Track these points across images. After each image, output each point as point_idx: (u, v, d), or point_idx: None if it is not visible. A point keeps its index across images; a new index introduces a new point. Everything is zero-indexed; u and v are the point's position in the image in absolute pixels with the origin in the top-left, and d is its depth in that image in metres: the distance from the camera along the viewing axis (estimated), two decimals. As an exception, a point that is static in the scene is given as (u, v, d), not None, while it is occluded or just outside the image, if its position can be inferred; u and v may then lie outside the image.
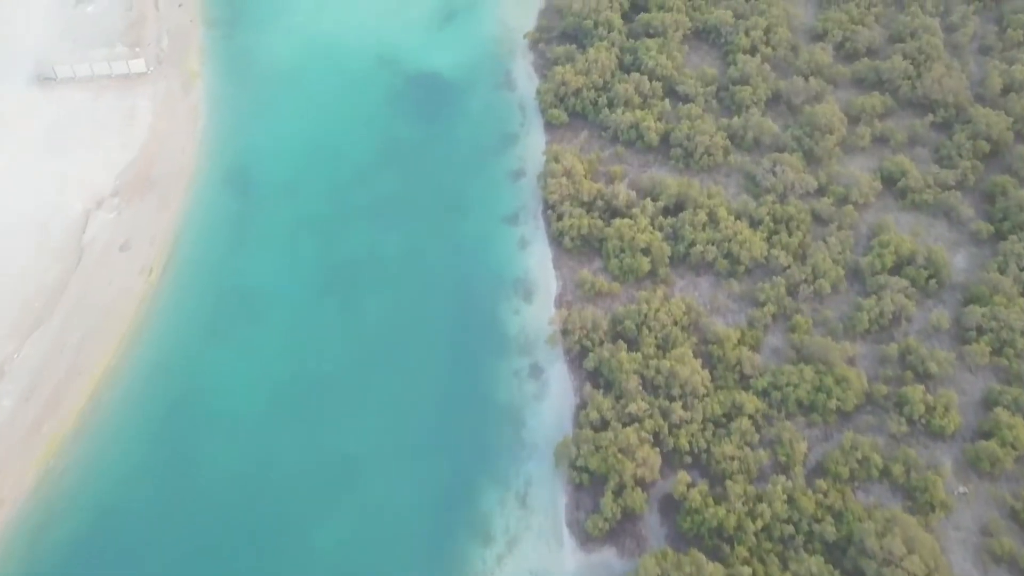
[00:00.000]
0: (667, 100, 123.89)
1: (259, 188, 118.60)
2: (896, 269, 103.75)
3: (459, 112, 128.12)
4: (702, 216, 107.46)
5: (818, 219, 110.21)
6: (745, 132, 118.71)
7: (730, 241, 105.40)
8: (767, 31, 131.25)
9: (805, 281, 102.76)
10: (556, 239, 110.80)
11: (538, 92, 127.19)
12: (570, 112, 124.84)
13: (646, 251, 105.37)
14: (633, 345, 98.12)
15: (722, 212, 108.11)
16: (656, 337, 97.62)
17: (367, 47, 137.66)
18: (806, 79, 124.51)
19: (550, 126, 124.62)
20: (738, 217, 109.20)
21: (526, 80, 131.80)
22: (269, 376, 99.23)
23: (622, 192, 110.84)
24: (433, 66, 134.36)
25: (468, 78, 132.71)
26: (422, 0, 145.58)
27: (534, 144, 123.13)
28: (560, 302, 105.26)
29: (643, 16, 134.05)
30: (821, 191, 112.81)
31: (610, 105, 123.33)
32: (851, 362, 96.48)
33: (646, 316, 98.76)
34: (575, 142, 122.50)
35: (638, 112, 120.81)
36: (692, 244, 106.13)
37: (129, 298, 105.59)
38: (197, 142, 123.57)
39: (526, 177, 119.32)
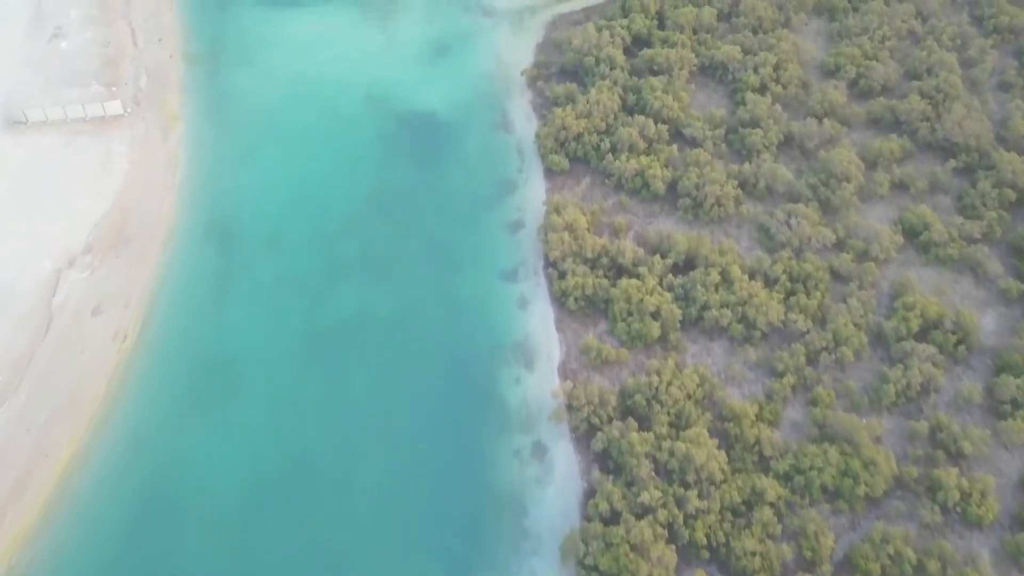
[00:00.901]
0: (674, 145, 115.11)
1: (241, 241, 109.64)
2: (922, 334, 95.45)
3: (454, 156, 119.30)
4: (714, 276, 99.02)
5: (837, 276, 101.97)
6: (757, 180, 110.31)
7: (745, 304, 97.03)
8: (776, 67, 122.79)
9: (826, 349, 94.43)
10: (558, 299, 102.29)
11: (537, 136, 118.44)
12: (571, 157, 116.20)
13: (655, 315, 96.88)
14: (644, 422, 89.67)
15: (735, 271, 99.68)
16: (669, 414, 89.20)
17: (357, 84, 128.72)
18: (819, 121, 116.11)
19: (550, 172, 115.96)
20: (752, 276, 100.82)
21: (524, 121, 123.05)
22: (251, 457, 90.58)
23: (628, 249, 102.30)
24: (426, 105, 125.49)
25: (463, 119, 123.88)
26: (414, 33, 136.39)
27: (533, 192, 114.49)
28: (564, 370, 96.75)
29: (646, 52, 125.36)
30: (839, 245, 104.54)
31: (613, 150, 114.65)
32: (878, 440, 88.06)
33: (657, 390, 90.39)
34: (577, 190, 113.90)
35: (643, 159, 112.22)
36: (705, 307, 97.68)
37: (101, 369, 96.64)
38: (176, 191, 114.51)
39: (525, 228, 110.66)
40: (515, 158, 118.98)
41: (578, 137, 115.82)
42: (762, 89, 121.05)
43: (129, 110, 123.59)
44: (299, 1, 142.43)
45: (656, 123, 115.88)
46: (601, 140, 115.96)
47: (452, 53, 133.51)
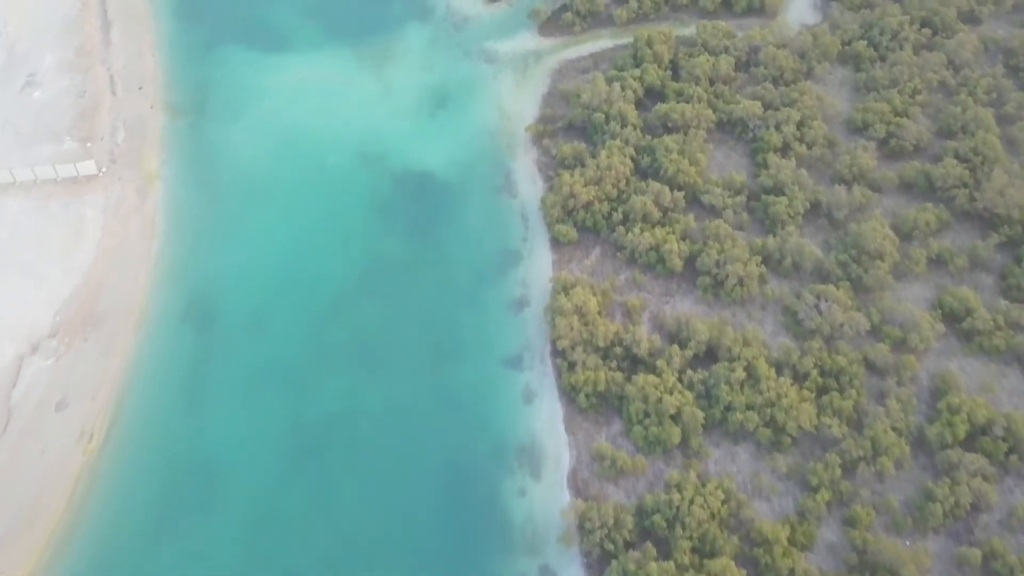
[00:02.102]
0: (691, 214, 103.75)
1: (221, 324, 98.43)
2: (969, 440, 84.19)
3: (453, 223, 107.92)
4: (739, 372, 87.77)
5: (872, 368, 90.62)
6: (783, 256, 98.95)
7: (773, 406, 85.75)
8: (800, 125, 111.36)
9: (864, 459, 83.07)
10: (567, 393, 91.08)
11: (543, 202, 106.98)
12: (580, 227, 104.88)
13: (675, 418, 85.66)
14: (664, 547, 78.60)
15: (761, 365, 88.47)
16: (692, 538, 78.12)
17: (349, 139, 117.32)
18: (848, 187, 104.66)
19: (557, 243, 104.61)
20: (780, 370, 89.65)
21: (529, 183, 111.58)
22: (227, 584, 79.31)
23: (644, 338, 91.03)
24: (423, 164, 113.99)
25: (463, 180, 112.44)
26: (411, 81, 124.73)
27: (539, 265, 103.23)
28: (574, 480, 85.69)
29: (660, 107, 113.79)
30: (874, 331, 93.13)
31: (625, 220, 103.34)
32: (925, 572, 76.93)
33: (678, 509, 79.15)
34: (586, 263, 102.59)
35: (658, 231, 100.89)
36: (729, 408, 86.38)
37: (63, 477, 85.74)
38: (151, 264, 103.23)
39: (530, 307, 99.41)
40: (519, 225, 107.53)
41: (587, 206, 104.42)
42: (785, 149, 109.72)
43: (104, 169, 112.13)
44: (289, 45, 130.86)
45: (672, 190, 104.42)
46: (612, 209, 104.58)
47: (452, 104, 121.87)
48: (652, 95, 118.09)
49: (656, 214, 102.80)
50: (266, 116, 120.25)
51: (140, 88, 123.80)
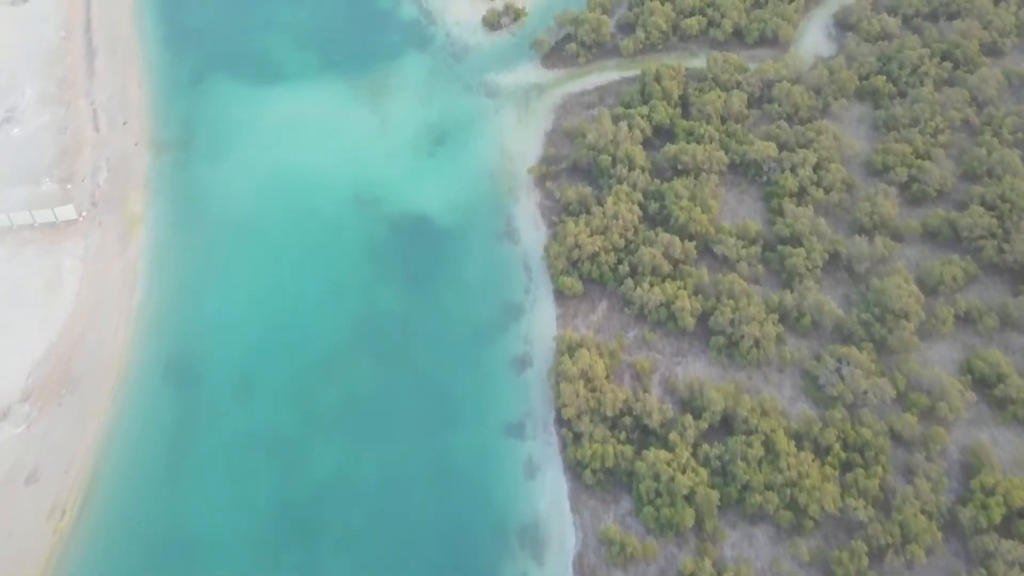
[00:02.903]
0: (703, 266, 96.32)
1: (205, 385, 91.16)
2: (1005, 524, 76.93)
3: (452, 273, 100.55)
4: (756, 447, 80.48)
5: (898, 440, 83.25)
6: (801, 313, 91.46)
7: (794, 486, 78.42)
8: (817, 168, 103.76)
9: (892, 547, 75.73)
10: (573, 467, 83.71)
11: (546, 251, 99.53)
12: (585, 279, 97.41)
13: (689, 498, 78.27)
14: (677, 648, 71.20)
15: (780, 438, 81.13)
16: (708, 639, 70.68)
17: (343, 180, 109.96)
18: (869, 237, 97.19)
19: (561, 296, 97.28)
20: (800, 443, 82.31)
21: (531, 229, 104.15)
22: None
23: (655, 408, 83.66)
24: (420, 208, 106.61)
25: (463, 225, 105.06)
26: (408, 116, 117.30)
27: (542, 320, 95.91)
28: (580, 566, 78.59)
29: (670, 148, 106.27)
30: (900, 398, 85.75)
31: (634, 273, 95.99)
32: (963, 678, 69.77)
33: (693, 605, 71.76)
34: (592, 318, 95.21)
35: (669, 286, 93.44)
36: (746, 487, 79.11)
37: (32, 559, 78.37)
38: (132, 318, 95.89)
39: (533, 368, 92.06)
40: (521, 276, 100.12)
41: (593, 257, 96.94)
42: (801, 194, 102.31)
43: (84, 213, 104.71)
44: (282, 75, 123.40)
45: (682, 240, 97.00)
46: (620, 260, 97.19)
47: (451, 142, 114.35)
48: (661, 134, 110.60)
49: (666, 267, 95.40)
50: (256, 153, 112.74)
51: (125, 123, 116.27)
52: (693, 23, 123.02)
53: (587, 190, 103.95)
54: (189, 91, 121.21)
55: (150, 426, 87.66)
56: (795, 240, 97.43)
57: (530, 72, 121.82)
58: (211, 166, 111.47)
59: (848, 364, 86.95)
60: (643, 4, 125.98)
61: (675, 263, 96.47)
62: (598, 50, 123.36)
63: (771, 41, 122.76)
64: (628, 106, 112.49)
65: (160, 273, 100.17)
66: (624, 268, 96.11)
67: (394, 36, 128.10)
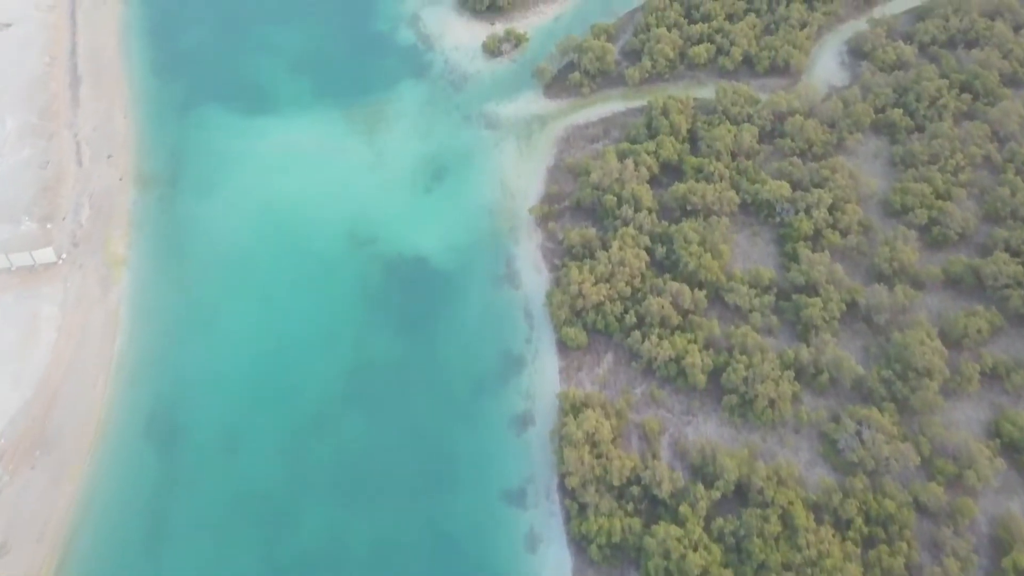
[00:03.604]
0: (714, 316, 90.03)
1: (188, 443, 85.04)
2: (1040, 609, 70.68)
3: (449, 321, 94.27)
4: (773, 522, 74.25)
5: (923, 511, 76.97)
6: (818, 370, 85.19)
7: (814, 566, 72.22)
8: (832, 209, 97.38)
9: (921, 635, 69.56)
10: (577, 541, 77.46)
11: (549, 299, 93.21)
12: (590, 329, 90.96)
13: (701, 578, 72.07)
14: None
15: (799, 512, 74.97)
16: None
17: (337, 219, 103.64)
18: (889, 286, 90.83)
19: (564, 347, 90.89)
20: (819, 515, 76.09)
21: (533, 273, 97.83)
22: None
23: (665, 477, 77.40)
24: (417, 249, 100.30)
25: (461, 268, 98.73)
26: (405, 150, 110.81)
27: (545, 373, 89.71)
28: (584, 652, 72.05)
29: (679, 187, 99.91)
30: (924, 464, 79.45)
31: (641, 323, 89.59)
32: None
33: None
34: (597, 372, 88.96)
35: (678, 339, 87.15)
36: (763, 567, 72.86)
37: (-1, 642, 71.90)
38: (112, 370, 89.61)
39: (535, 427, 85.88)
40: (522, 324, 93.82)
41: (598, 307, 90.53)
42: (816, 237, 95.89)
43: (64, 256, 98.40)
44: (273, 105, 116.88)
45: (692, 289, 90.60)
46: (626, 310, 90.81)
47: (449, 177, 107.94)
48: (668, 171, 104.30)
49: (675, 318, 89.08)
50: (246, 190, 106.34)
51: (109, 156, 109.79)
52: (701, 51, 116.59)
53: (591, 232, 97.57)
54: (177, 121, 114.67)
55: (130, 488, 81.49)
56: (811, 288, 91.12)
57: (531, 102, 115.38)
58: (198, 203, 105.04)
59: (869, 427, 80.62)
60: (649, 31, 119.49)
61: (684, 313, 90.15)
62: (602, 79, 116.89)
63: (782, 70, 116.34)
64: (634, 141, 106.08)
65: (143, 320, 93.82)
66: (631, 318, 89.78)
67: (390, 62, 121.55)
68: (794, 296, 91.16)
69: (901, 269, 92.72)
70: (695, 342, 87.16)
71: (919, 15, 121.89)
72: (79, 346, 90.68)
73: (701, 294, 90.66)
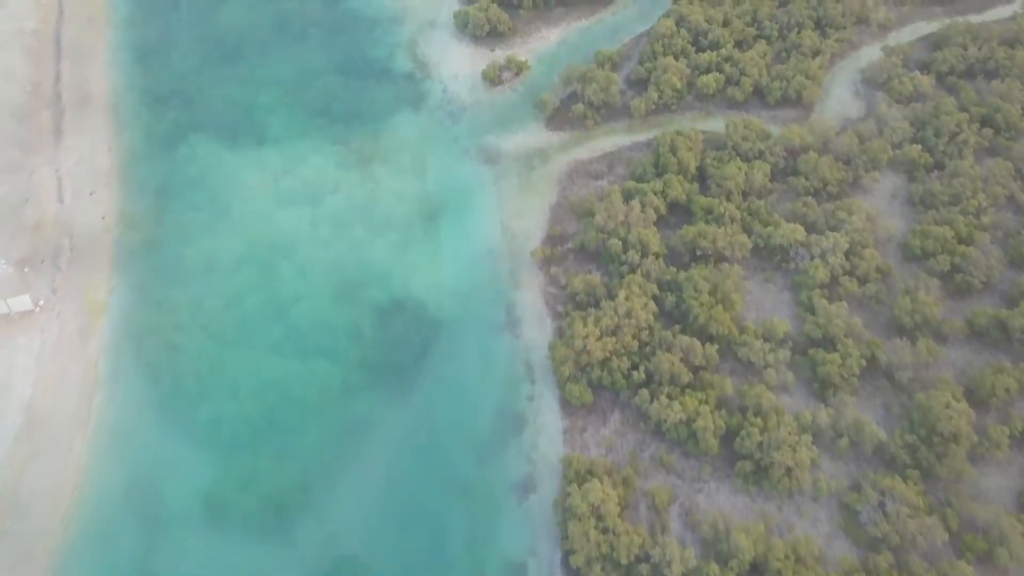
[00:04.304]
0: (727, 376, 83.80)
1: (168, 514, 79.08)
2: None
3: (446, 375, 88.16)
4: (794, 609, 67.84)
5: (952, 593, 70.76)
6: (838, 433, 78.98)
7: (838, 659, 65.91)
8: (849, 254, 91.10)
9: None
10: (582, 625, 71.23)
11: (552, 353, 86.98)
12: (595, 386, 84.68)
13: (716, 672, 65.91)
14: None
15: (821, 595, 68.54)
16: None
17: (328, 261, 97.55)
18: (911, 340, 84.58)
19: (568, 405, 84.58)
20: (842, 598, 69.76)
21: (535, 321, 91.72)
22: None
23: (676, 557, 71.13)
24: (412, 295, 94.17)
25: (458, 314, 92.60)
26: (401, 187, 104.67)
27: (547, 433, 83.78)
28: None
29: (688, 230, 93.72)
30: (952, 539, 73.22)
31: (649, 380, 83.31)
32: None
33: None
34: (603, 433, 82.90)
35: (688, 400, 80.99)
36: (782, 659, 66.64)
37: None
38: (89, 431, 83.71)
39: (537, 495, 79.91)
40: (523, 378, 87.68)
41: (604, 362, 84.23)
42: (832, 285, 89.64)
43: (42, 303, 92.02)
44: (265, 137, 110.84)
45: (703, 344, 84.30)
46: (634, 366, 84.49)
47: (447, 216, 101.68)
48: (677, 211, 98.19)
49: (685, 375, 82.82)
50: (234, 230, 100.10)
51: (92, 193, 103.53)
52: (710, 81, 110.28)
53: (596, 278, 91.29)
54: (163, 156, 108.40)
55: (106, 562, 75.09)
56: (828, 343, 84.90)
57: (533, 135, 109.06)
58: (183, 244, 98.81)
59: (892, 499, 74.43)
60: (656, 59, 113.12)
61: (695, 370, 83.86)
62: (606, 111, 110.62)
63: (794, 101, 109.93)
64: (640, 179, 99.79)
65: (124, 373, 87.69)
66: (639, 375, 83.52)
67: (387, 91, 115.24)
68: (810, 351, 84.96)
69: (923, 322, 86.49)
70: (707, 402, 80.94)
71: (935, 43, 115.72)
72: (55, 404, 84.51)
73: (712, 349, 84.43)
